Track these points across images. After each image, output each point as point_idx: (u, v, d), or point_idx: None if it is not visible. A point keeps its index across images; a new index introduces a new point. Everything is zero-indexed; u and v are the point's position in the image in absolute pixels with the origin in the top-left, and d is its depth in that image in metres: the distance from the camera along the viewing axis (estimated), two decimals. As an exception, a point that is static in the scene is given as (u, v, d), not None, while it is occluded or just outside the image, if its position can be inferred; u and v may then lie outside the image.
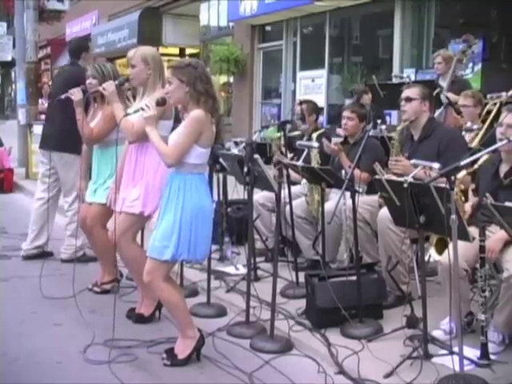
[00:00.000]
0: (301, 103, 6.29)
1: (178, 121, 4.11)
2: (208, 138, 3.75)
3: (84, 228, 5.25)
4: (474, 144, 5.12)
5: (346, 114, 5.46)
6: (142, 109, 3.84)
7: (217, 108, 3.83)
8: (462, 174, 3.70)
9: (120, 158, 4.41)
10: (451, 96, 6.14)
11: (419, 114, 4.67)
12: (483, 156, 3.73)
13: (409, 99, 4.66)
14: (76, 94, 4.93)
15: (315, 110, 6.20)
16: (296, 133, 6.33)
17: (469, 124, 5.44)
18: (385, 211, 4.45)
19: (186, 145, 3.68)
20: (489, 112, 5.64)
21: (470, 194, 4.27)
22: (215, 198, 5.81)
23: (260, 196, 5.77)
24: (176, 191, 3.73)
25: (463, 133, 5.34)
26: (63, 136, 5.96)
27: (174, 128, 4.06)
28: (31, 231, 6.33)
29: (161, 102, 3.88)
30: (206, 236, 3.82)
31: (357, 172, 4.47)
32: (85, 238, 5.73)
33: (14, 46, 17.31)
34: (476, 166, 3.79)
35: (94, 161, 5.18)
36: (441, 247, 4.07)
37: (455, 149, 4.50)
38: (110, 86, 4.51)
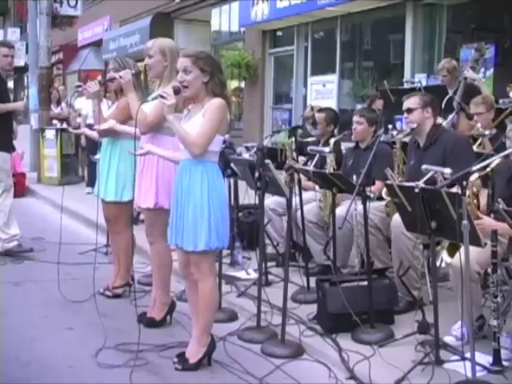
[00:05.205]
0: (319, 111, 6.28)
1: None
2: (225, 126, 3.75)
3: (108, 227, 5.43)
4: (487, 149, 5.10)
5: (355, 118, 5.47)
6: (161, 96, 3.68)
7: (228, 96, 3.87)
8: (474, 177, 3.68)
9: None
10: (470, 75, 6.15)
11: (423, 121, 4.69)
12: (495, 160, 3.71)
13: (410, 110, 4.69)
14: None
15: (335, 120, 6.17)
16: (311, 139, 6.31)
17: (481, 129, 5.41)
18: (398, 217, 4.44)
19: (213, 133, 3.64)
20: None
21: (482, 199, 4.23)
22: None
23: (271, 201, 5.76)
24: (199, 179, 3.66)
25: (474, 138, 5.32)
26: None
27: None
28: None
29: (178, 90, 3.70)
30: (228, 223, 3.81)
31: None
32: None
33: (27, 52, 17.48)
34: (488, 169, 3.76)
35: (102, 152, 5.15)
36: (453, 250, 4.05)
37: (460, 154, 4.49)
38: (126, 75, 4.57)
